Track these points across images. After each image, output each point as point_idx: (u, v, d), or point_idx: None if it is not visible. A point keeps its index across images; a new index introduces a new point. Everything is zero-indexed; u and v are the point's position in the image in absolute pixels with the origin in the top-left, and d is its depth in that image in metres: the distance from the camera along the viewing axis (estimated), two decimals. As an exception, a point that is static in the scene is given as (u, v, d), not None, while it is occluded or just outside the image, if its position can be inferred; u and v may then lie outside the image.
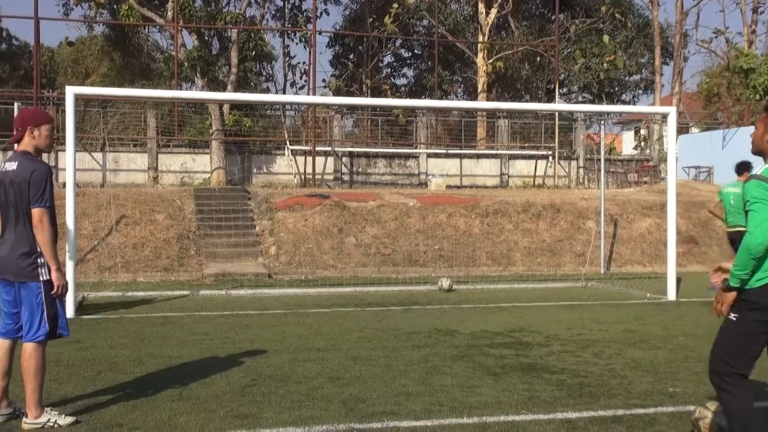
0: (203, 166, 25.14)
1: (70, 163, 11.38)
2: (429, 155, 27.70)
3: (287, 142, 26.41)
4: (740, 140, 28.26)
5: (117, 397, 6.27)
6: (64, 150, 14.86)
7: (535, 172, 28.24)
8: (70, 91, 11.39)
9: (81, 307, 11.59)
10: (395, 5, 32.45)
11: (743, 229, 4.36)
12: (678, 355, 8.14)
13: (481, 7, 35.06)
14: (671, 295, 13.06)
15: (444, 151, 28.24)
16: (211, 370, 7.23)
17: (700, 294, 13.05)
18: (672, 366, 7.57)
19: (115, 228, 16.93)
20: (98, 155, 24.28)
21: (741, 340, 4.38)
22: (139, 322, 10.36)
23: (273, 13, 32.62)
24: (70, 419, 5.52)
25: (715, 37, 42.06)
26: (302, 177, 25.42)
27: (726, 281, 4.39)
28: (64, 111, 12.58)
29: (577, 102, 39.51)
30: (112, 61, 38.24)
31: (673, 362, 7.74)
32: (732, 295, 4.35)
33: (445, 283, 14.24)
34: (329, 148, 26.87)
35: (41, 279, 5.40)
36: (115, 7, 28.58)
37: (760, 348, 4.40)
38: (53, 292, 5.42)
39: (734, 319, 4.41)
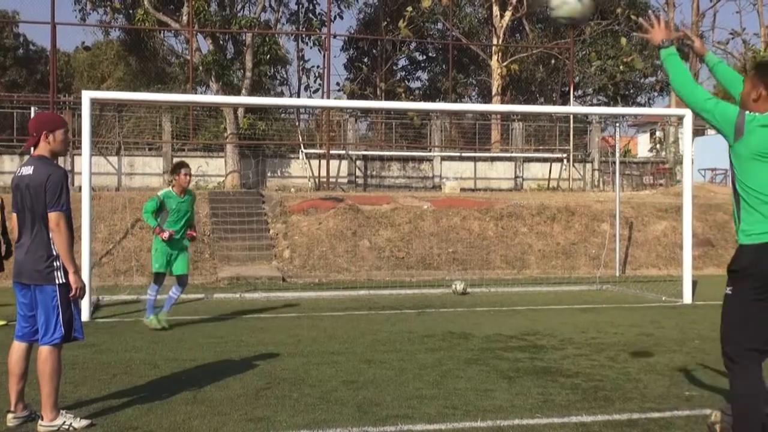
0: (218, 169, 25.22)
1: (86, 167, 11.45)
2: (443, 158, 27.68)
3: (301, 146, 26.45)
4: (757, 142, 28.06)
5: (132, 399, 6.29)
6: (79, 154, 14.97)
7: (549, 175, 28.15)
8: (87, 96, 11.48)
9: (96, 310, 11.65)
10: (409, 9, 32.45)
11: None
12: (694, 358, 8.08)
13: (496, 10, 34.99)
14: (687, 298, 12.98)
15: (458, 154, 28.20)
16: (225, 373, 7.25)
17: (716, 297, 12.95)
18: (688, 369, 7.52)
19: (130, 232, 17.01)
20: (113, 159, 24.42)
21: (743, 312, 4.30)
22: (154, 325, 10.39)
23: (288, 17, 32.67)
24: (85, 422, 5.55)
25: (732, 39, 41.99)
26: (316, 180, 25.46)
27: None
28: (80, 115, 12.67)
29: (592, 104, 39.35)
30: (127, 66, 38.51)
31: (689, 366, 7.69)
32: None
33: (459, 286, 14.22)
34: (343, 152, 26.89)
35: (57, 282, 5.43)
36: (130, 12, 28.75)
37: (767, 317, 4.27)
38: (71, 294, 5.46)
39: (730, 292, 4.36)
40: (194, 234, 10.46)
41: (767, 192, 4.34)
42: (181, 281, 10.28)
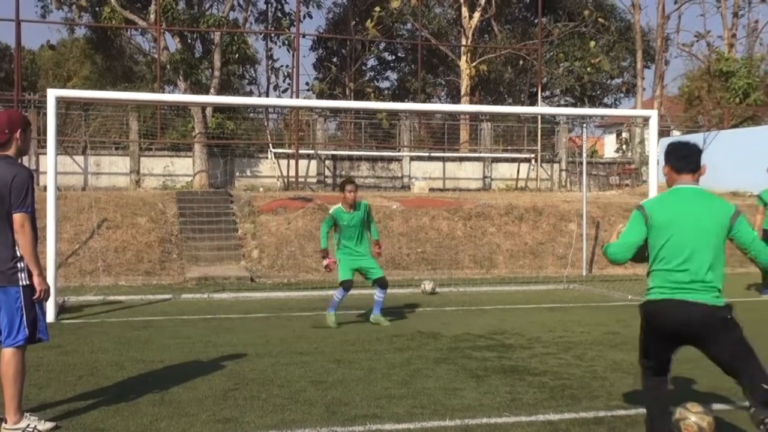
0: (186, 169, 25.04)
1: (51, 167, 11.30)
2: (412, 158, 27.74)
3: (270, 146, 26.36)
4: (721, 143, 28.49)
5: (98, 401, 6.23)
6: (45, 153, 14.78)
7: (517, 175, 28.34)
8: (52, 94, 11.33)
9: (62, 311, 11.51)
10: (377, 9, 32.50)
11: None
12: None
13: (465, 11, 35.16)
14: (653, 297, 13.09)
15: (427, 155, 28.28)
16: (192, 375, 7.21)
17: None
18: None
19: (96, 231, 16.83)
20: (80, 158, 24.14)
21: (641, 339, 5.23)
22: (120, 326, 10.30)
23: (256, 16, 32.57)
24: (49, 425, 5.48)
25: (696, 41, 42.43)
26: (285, 180, 25.38)
27: None
28: (45, 114, 12.51)
29: (559, 105, 39.70)
30: (94, 64, 38.08)
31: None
32: None
33: (428, 285, 14.25)
34: (312, 152, 26.84)
35: (21, 284, 5.36)
36: (97, 9, 28.44)
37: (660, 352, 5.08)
38: (35, 297, 5.39)
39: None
40: (379, 251, 10.77)
41: None
42: (381, 283, 10.54)
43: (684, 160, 4.99)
